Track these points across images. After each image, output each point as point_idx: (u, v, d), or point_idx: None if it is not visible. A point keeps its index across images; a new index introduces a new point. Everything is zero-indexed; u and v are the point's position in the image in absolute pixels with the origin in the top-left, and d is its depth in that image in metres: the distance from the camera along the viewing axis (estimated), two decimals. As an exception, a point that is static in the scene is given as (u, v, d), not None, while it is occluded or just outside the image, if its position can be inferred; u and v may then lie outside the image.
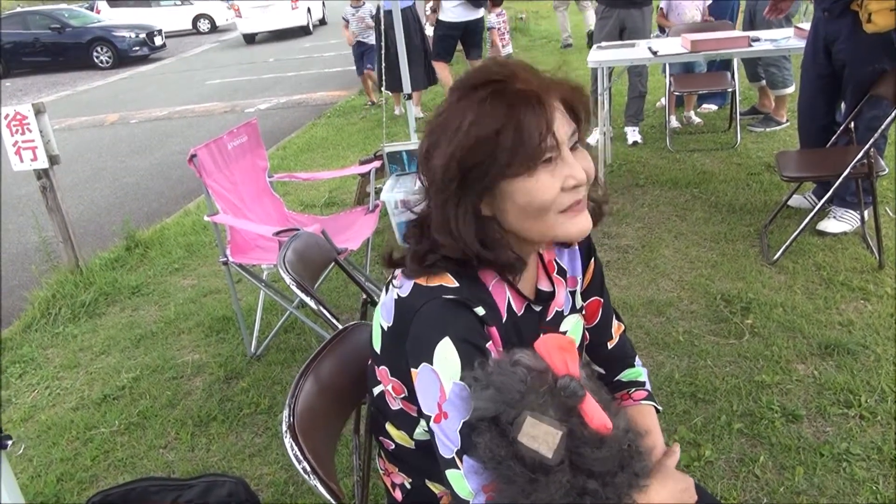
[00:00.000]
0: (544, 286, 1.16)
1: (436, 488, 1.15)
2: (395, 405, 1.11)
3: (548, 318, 1.15)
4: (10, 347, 3.35)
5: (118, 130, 9.30)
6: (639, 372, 1.30)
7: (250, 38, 17.91)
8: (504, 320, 1.07)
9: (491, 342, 1.00)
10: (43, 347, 3.34)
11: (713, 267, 3.19)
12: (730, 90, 4.90)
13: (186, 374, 2.89)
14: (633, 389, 1.27)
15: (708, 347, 2.61)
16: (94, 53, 16.82)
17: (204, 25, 22.48)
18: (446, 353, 0.95)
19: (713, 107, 5.68)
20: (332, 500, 1.10)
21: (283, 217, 3.14)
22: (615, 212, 3.92)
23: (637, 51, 4.09)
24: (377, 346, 1.10)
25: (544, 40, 11.64)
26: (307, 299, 1.68)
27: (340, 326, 1.49)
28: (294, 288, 1.69)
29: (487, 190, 0.98)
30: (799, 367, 2.46)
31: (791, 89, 4.82)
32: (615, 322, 1.30)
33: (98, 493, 1.78)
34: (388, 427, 1.16)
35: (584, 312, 1.24)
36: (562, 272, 1.20)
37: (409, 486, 1.19)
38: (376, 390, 1.14)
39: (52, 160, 3.74)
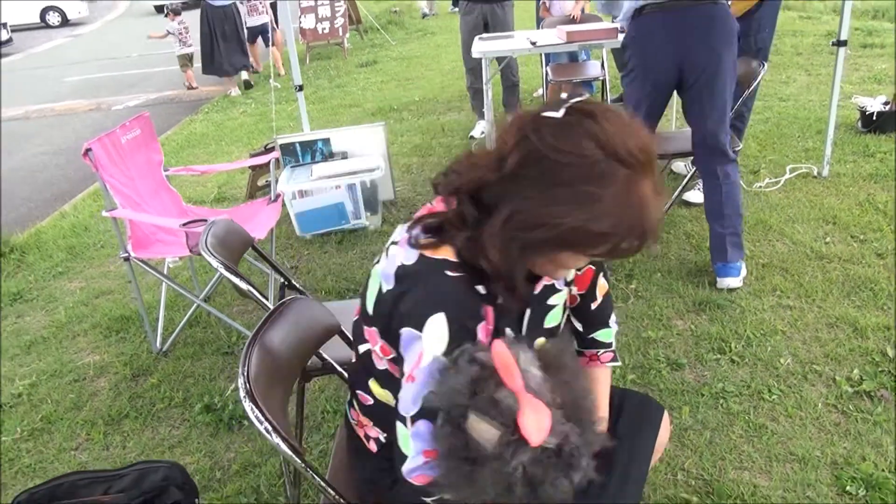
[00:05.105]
0: None
1: None
2: (382, 365, 1.16)
3: (536, 292, 1.16)
4: None
5: (-33, 132, 8.54)
6: (610, 333, 1.38)
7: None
8: (500, 300, 1.07)
9: (484, 322, 1.03)
10: (-84, 363, 3.10)
11: (598, 240, 3.46)
12: (601, 78, 5.27)
13: (89, 376, 2.80)
14: (602, 351, 1.37)
15: (599, 311, 2.86)
16: (-72, 48, 15.24)
17: (54, 19, 20.93)
18: (437, 328, 0.99)
19: (585, 94, 6.04)
20: (294, 456, 1.19)
21: (182, 211, 3.09)
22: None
23: (517, 41, 4.31)
24: (370, 308, 1.12)
25: (420, 33, 11.83)
26: (236, 280, 1.72)
27: (271, 305, 1.56)
28: (222, 270, 1.72)
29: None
30: (678, 322, 2.75)
31: (654, 78, 5.24)
32: (601, 281, 1.33)
33: (23, 491, 1.73)
34: (371, 383, 1.21)
35: (573, 284, 1.29)
36: None
37: (383, 441, 1.24)
38: (362, 348, 1.19)
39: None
